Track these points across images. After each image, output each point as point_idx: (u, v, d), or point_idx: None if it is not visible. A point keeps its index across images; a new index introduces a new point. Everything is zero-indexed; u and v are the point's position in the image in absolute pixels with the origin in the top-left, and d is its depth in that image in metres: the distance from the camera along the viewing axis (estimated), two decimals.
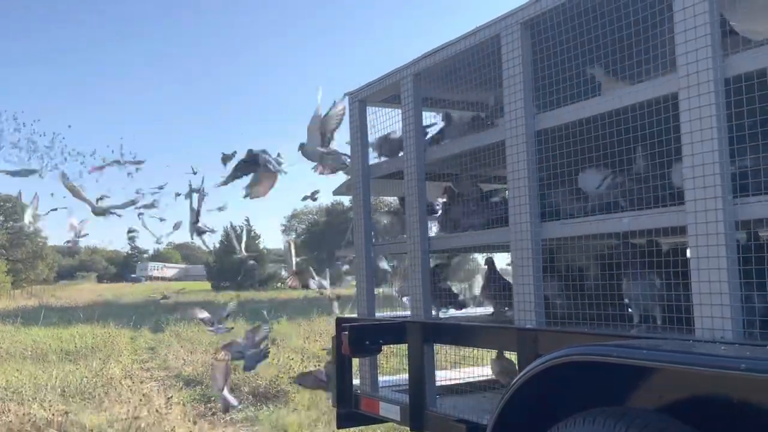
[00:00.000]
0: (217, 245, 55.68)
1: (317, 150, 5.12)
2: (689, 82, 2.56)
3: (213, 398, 9.37)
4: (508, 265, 4.29)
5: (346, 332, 4.11)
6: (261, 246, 56.38)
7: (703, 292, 2.48)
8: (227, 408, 6.31)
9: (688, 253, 2.61)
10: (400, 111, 4.35)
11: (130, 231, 7.15)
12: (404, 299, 4.78)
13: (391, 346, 4.47)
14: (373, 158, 4.77)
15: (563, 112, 3.20)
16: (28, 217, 6.00)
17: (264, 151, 5.52)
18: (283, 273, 6.70)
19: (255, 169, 5.59)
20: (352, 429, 4.88)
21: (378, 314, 4.71)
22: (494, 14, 3.48)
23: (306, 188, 6.48)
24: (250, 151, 5.53)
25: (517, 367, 4.24)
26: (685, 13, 2.58)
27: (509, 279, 4.09)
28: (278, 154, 5.57)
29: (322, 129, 5.08)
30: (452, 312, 4.50)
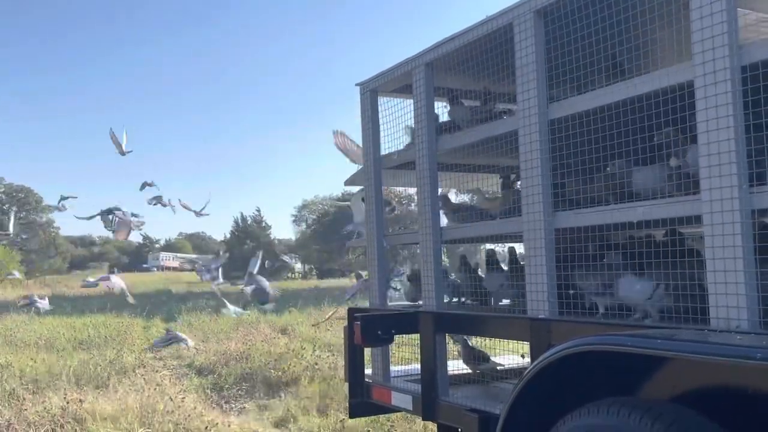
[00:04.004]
0: (228, 236, 56.01)
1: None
2: (705, 70, 2.53)
3: (225, 387, 9.44)
4: None
5: (359, 322, 4.12)
6: (271, 237, 56.59)
7: (719, 281, 2.47)
8: None
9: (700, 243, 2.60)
10: (411, 101, 4.34)
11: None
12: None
13: (403, 335, 4.48)
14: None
15: (577, 101, 3.18)
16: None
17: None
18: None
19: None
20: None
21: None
22: (507, 2, 3.45)
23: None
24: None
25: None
26: (701, 1, 2.55)
27: None
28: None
29: None
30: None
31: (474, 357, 4.56)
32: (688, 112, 2.62)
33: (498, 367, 4.57)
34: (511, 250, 4.31)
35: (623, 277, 3.02)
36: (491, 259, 4.33)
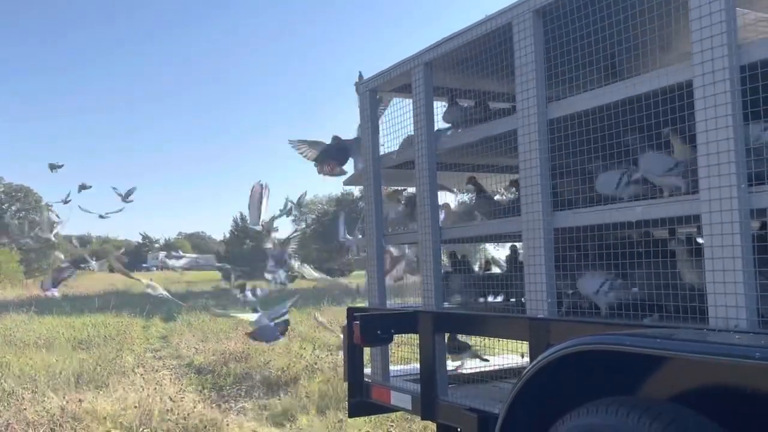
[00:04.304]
0: (227, 235, 55.94)
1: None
2: (704, 70, 2.53)
3: (225, 386, 9.44)
4: None
5: (358, 322, 4.12)
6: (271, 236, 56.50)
7: (717, 281, 2.47)
8: None
9: (701, 241, 2.60)
10: (411, 101, 4.34)
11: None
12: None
13: (402, 335, 4.48)
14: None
15: (576, 100, 3.18)
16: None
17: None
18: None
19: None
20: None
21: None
22: (507, 2, 3.45)
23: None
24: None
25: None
26: (700, 0, 2.55)
27: None
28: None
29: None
30: None
31: (455, 346, 4.60)
32: (687, 112, 2.62)
33: (478, 354, 4.67)
34: (513, 249, 4.34)
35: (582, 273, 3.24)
36: (453, 260, 4.43)
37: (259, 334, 6.85)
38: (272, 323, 6.46)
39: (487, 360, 4.63)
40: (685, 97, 2.65)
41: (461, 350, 4.63)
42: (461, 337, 4.62)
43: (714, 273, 2.48)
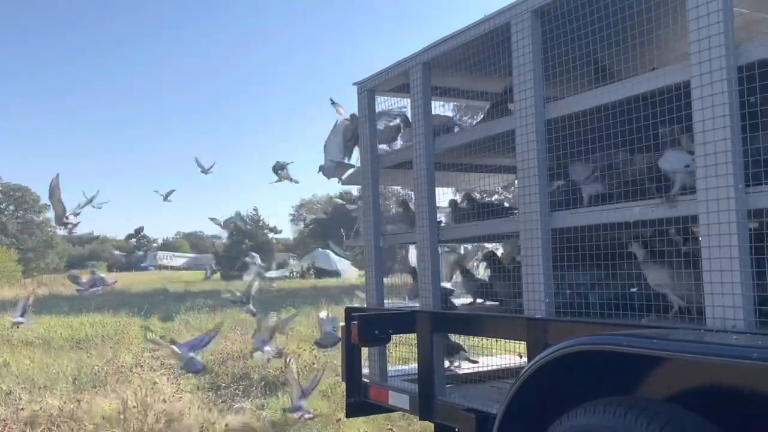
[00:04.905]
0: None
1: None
2: (701, 70, 2.53)
3: (222, 386, 9.43)
4: None
5: (356, 322, 4.11)
6: (269, 236, 56.58)
7: (715, 281, 2.47)
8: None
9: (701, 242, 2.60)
10: (408, 101, 4.34)
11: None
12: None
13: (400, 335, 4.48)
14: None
15: (574, 100, 3.18)
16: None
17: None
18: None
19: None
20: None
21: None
22: (505, 2, 3.45)
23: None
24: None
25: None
26: (698, 1, 2.55)
27: None
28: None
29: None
30: None
31: (448, 348, 4.60)
32: (684, 112, 2.62)
33: (467, 357, 4.67)
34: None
35: None
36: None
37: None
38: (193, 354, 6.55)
39: (475, 362, 4.62)
40: (683, 98, 2.65)
41: (454, 351, 4.62)
42: (454, 338, 4.62)
43: (711, 273, 2.48)
